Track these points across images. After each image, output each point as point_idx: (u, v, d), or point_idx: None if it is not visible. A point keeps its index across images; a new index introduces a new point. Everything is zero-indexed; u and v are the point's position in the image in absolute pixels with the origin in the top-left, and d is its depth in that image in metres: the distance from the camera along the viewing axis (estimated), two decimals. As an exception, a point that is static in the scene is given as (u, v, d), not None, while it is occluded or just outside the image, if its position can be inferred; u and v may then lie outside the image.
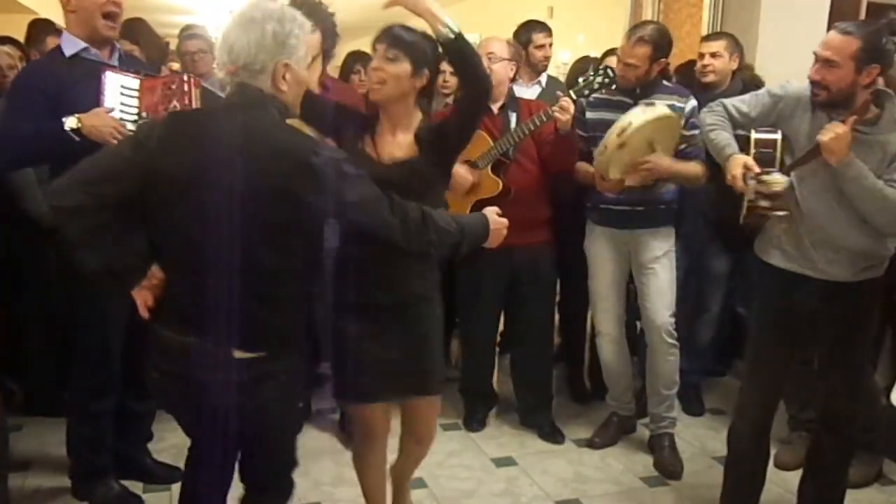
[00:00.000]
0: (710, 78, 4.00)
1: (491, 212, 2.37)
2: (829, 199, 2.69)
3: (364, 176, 2.09)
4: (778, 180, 2.66)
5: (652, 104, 3.34)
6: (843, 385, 2.88)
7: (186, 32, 4.73)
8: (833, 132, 2.56)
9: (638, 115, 3.26)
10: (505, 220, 2.38)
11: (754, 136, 2.82)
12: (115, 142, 2.80)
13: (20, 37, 4.43)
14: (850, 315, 2.81)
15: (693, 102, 3.55)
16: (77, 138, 2.74)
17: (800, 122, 2.75)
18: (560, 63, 7.57)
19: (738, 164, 2.73)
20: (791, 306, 2.81)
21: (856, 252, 2.73)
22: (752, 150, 2.79)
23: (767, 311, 2.92)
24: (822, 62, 2.61)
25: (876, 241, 2.73)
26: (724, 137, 2.85)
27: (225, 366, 2.05)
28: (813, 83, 2.66)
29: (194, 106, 2.95)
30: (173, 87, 2.96)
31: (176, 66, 4.95)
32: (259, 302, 2.05)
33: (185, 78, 2.99)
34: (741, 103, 2.91)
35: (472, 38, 3.93)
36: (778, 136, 2.79)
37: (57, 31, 4.09)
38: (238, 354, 2.05)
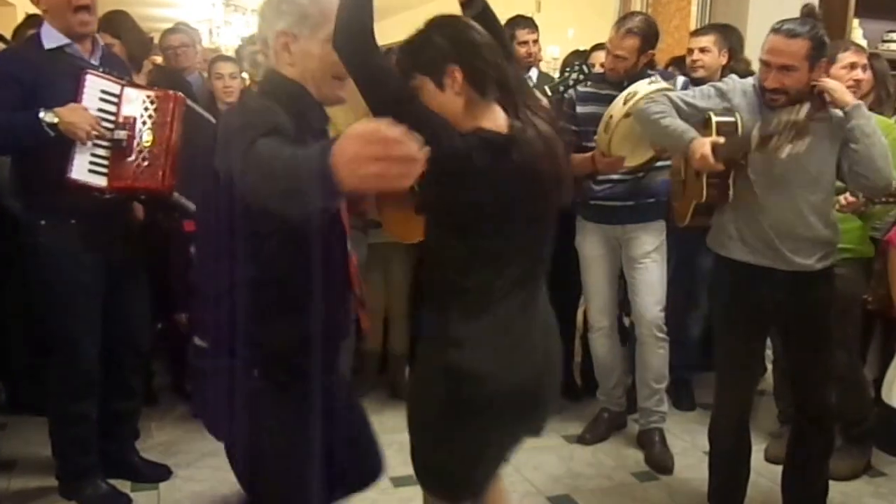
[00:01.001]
0: (700, 73, 3.98)
1: (357, 128, 1.31)
2: (789, 189, 2.70)
3: (262, 132, 1.62)
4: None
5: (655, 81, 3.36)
6: (817, 375, 2.89)
7: (170, 27, 4.71)
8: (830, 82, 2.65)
9: (643, 86, 3.28)
10: (383, 133, 1.27)
11: (715, 119, 2.77)
12: (89, 141, 2.77)
13: (6, 30, 4.37)
14: (815, 304, 2.82)
15: (681, 79, 3.65)
16: (52, 133, 2.71)
17: (750, 116, 2.74)
18: (550, 58, 7.53)
19: (705, 142, 2.67)
20: (758, 300, 2.81)
21: (816, 241, 2.75)
22: (714, 133, 2.75)
23: (734, 308, 2.90)
24: (778, 69, 2.61)
25: (833, 230, 2.79)
26: (679, 123, 2.79)
27: (190, 350, 1.98)
28: (771, 91, 2.65)
29: (175, 124, 2.92)
30: (156, 101, 2.93)
31: (158, 59, 4.91)
32: (202, 291, 1.93)
33: (171, 94, 2.97)
34: (687, 96, 2.89)
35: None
36: (737, 118, 2.76)
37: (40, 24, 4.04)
38: (196, 340, 1.96)
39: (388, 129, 1.26)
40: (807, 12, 2.65)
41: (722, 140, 2.65)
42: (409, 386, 2.11)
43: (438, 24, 1.93)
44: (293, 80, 1.88)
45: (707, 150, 2.64)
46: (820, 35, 2.60)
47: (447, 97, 1.90)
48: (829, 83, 2.65)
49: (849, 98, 2.64)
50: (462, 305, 1.93)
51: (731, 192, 2.75)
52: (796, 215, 2.72)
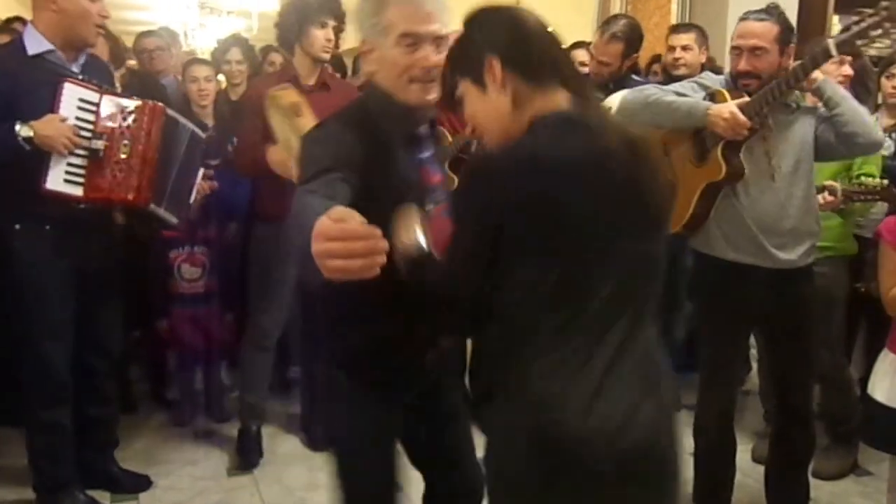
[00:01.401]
0: (682, 71, 3.94)
1: (319, 224, 1.28)
2: (770, 182, 2.69)
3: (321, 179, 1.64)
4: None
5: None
6: (799, 373, 2.88)
7: (145, 31, 4.66)
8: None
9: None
10: (340, 229, 1.26)
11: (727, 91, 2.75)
12: (66, 152, 2.72)
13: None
14: (797, 302, 2.81)
15: None
16: (28, 147, 2.67)
17: None
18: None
19: (728, 104, 2.63)
20: (741, 298, 2.79)
21: (800, 233, 2.74)
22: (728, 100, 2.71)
23: (717, 307, 2.89)
24: (749, 51, 2.64)
25: (816, 221, 2.79)
26: (685, 98, 2.75)
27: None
28: (743, 74, 2.66)
29: (154, 135, 2.89)
30: (135, 111, 2.89)
31: (132, 62, 4.86)
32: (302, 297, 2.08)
33: (151, 104, 2.93)
34: (673, 88, 2.87)
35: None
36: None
37: (10, 30, 3.96)
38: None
39: (345, 224, 1.25)
40: (771, 6, 2.69)
41: (747, 99, 2.62)
42: (485, 457, 1.70)
43: (475, 17, 1.67)
44: (382, 88, 1.86)
45: (734, 107, 2.60)
46: (787, 21, 2.66)
47: (491, 98, 1.62)
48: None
49: (818, 74, 2.66)
50: (541, 354, 1.56)
51: (745, 167, 2.70)
52: (778, 208, 2.71)
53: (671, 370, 1.71)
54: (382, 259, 1.26)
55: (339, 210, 1.28)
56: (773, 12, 2.66)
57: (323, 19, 3.23)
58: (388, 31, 1.80)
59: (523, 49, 1.61)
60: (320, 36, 3.24)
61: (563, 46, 1.69)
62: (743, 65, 2.66)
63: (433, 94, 1.83)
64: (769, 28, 2.62)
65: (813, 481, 3.11)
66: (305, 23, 3.23)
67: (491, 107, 1.63)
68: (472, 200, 1.56)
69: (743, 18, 2.69)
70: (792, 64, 2.69)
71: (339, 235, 1.24)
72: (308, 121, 2.65)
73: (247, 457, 3.60)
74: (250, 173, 3.39)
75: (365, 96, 1.92)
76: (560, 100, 1.61)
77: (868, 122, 2.66)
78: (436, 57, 1.78)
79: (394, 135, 1.85)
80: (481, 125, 1.69)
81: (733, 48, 2.70)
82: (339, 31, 3.31)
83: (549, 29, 1.66)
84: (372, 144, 1.78)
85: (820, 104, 2.71)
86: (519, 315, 1.57)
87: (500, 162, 1.57)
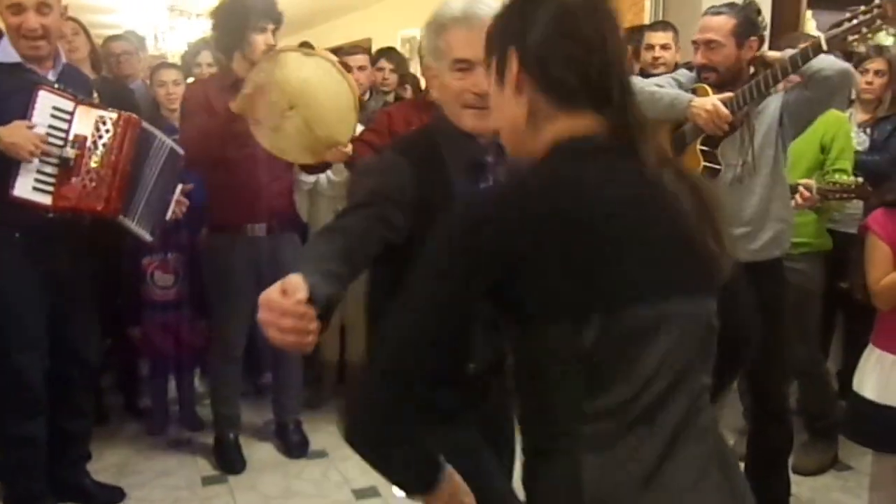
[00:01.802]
0: (661, 70, 3.90)
1: (281, 286, 1.29)
2: (733, 178, 2.70)
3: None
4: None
5: None
6: (772, 370, 2.86)
7: (112, 35, 4.61)
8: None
9: None
10: (274, 303, 1.28)
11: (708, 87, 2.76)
12: (32, 159, 2.68)
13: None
14: (769, 300, 2.75)
15: (637, 78, 3.56)
16: None
17: None
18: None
19: (710, 97, 2.63)
20: None
21: (761, 219, 2.73)
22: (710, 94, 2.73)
23: None
24: (705, 45, 2.68)
25: (781, 204, 2.77)
26: (668, 89, 2.77)
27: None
28: (701, 68, 2.71)
29: (127, 146, 2.86)
30: (108, 122, 2.86)
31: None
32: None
33: (126, 115, 2.90)
34: (655, 81, 2.89)
35: (414, 32, 3.86)
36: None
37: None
38: None
39: (281, 299, 1.29)
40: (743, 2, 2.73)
41: (731, 95, 2.61)
42: None
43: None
44: (445, 114, 1.82)
45: (717, 101, 2.60)
46: (747, 15, 2.67)
47: (506, 97, 1.29)
48: (767, 52, 2.69)
49: (779, 54, 2.67)
50: (585, 447, 1.20)
51: (721, 162, 2.71)
52: (738, 199, 2.70)
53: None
54: (311, 339, 1.30)
55: (290, 281, 1.31)
56: (735, 7, 2.68)
57: (262, 24, 3.19)
58: (444, 55, 1.78)
59: (548, 53, 1.23)
60: (261, 41, 3.19)
61: (621, 59, 1.29)
62: (699, 58, 2.71)
63: (489, 122, 1.62)
64: (724, 22, 2.64)
65: (793, 477, 3.10)
66: (245, 29, 3.19)
67: (505, 107, 1.30)
68: (452, 248, 1.21)
69: (704, 13, 2.73)
70: (764, 55, 2.70)
71: (273, 308, 1.29)
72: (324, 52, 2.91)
73: (230, 465, 3.57)
74: (200, 163, 3.32)
75: (431, 122, 1.88)
76: (593, 125, 1.25)
77: (831, 57, 2.59)
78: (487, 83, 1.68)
79: (454, 162, 1.78)
80: (496, 123, 1.38)
81: (693, 43, 2.74)
82: (276, 31, 3.27)
83: (610, 32, 1.25)
84: (428, 173, 1.73)
85: (788, 85, 2.71)
86: (549, 401, 1.23)
87: (503, 196, 1.26)
